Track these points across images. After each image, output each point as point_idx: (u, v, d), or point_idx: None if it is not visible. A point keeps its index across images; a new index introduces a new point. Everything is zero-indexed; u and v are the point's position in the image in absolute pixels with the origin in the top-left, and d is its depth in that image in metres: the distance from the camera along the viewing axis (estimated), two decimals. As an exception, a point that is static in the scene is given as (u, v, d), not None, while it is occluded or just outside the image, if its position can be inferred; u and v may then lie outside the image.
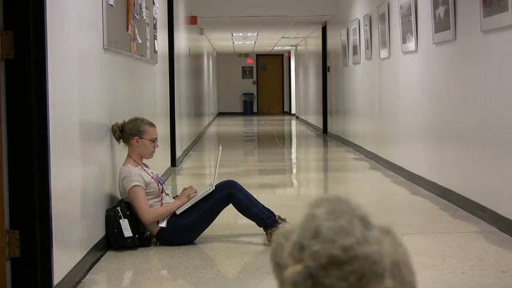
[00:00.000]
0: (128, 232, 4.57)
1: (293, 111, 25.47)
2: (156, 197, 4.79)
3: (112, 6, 4.80)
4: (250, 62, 28.13)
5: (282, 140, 15.28)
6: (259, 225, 4.78)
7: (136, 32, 5.74)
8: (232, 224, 5.38)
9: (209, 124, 19.22)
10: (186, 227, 4.73)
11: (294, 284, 0.98)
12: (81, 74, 4.10)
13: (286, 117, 24.72)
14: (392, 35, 8.37)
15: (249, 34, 19.04)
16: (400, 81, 8.11)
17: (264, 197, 5.68)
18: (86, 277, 4.01)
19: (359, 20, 10.58)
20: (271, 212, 4.81)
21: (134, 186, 4.66)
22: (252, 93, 27.99)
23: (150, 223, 4.71)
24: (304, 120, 20.19)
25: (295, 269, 0.99)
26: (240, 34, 19.00)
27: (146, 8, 6.34)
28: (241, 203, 4.77)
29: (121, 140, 4.88)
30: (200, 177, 8.74)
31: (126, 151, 4.89)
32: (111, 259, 4.42)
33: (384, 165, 8.88)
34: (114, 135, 4.84)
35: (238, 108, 27.81)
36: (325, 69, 15.27)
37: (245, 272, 4.19)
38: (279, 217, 4.81)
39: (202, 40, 16.32)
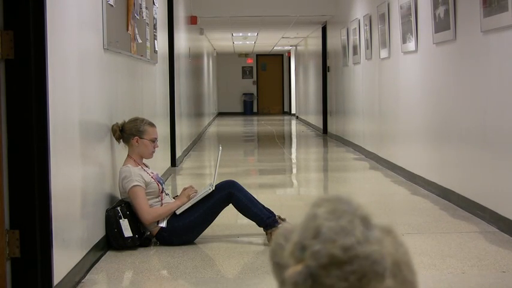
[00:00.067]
0: (128, 232, 4.57)
1: (293, 111, 25.47)
2: (156, 197, 4.79)
3: (112, 6, 4.79)
4: (250, 62, 28.13)
5: (282, 140, 15.27)
6: (259, 225, 4.78)
7: (136, 32, 5.74)
8: (232, 224, 5.38)
9: (209, 124, 19.22)
10: (186, 227, 4.73)
11: (294, 283, 0.98)
12: (81, 74, 4.10)
13: (286, 117, 24.72)
14: (392, 35, 8.37)
15: (249, 34, 19.04)
16: (400, 81, 8.11)
17: (264, 197, 5.68)
18: (86, 277, 4.01)
19: (359, 20, 10.58)
20: (271, 212, 4.81)
21: (134, 186, 4.66)
22: (252, 93, 27.99)
23: (150, 223, 4.71)
24: (304, 120, 20.19)
25: (296, 269, 0.99)
26: (240, 34, 19.00)
27: (146, 8, 6.34)
28: (241, 203, 4.77)
29: (121, 140, 4.88)
30: (200, 177, 8.74)
31: (126, 151, 4.89)
32: (111, 259, 4.42)
33: (384, 165, 8.88)
34: (114, 135, 4.84)
35: (238, 108, 27.81)
36: (325, 69, 15.27)
37: (245, 272, 4.19)
38: (279, 217, 4.81)
39: (202, 40, 16.32)
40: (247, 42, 21.96)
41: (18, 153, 3.31)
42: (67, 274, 3.67)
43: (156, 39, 7.12)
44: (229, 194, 4.77)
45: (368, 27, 9.80)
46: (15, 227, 3.33)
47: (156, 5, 7.21)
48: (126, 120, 4.92)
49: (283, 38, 19.89)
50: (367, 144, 10.25)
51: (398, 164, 8.16)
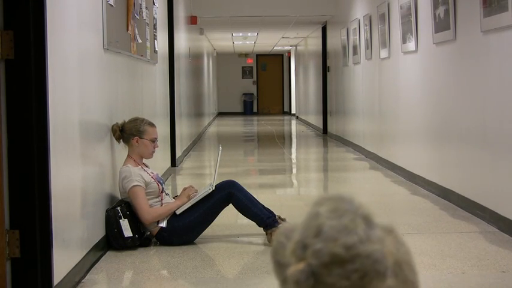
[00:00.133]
0: (128, 232, 4.57)
1: (293, 111, 25.47)
2: (156, 197, 4.79)
3: (112, 6, 4.79)
4: (250, 62, 28.13)
5: (282, 140, 15.27)
6: (259, 225, 4.78)
7: (136, 32, 5.74)
8: (232, 224, 5.38)
9: (209, 124, 19.22)
10: (186, 227, 4.73)
11: (296, 282, 0.98)
12: (81, 74, 4.10)
13: (286, 117, 24.72)
14: (392, 35, 8.37)
15: (249, 34, 19.03)
16: (400, 81, 8.11)
17: (264, 197, 5.68)
18: (86, 277, 4.01)
19: (359, 20, 10.58)
20: (271, 212, 4.81)
21: (134, 186, 4.66)
22: (252, 93, 27.99)
23: (150, 223, 4.71)
24: (304, 120, 20.19)
25: (298, 268, 0.99)
26: (240, 34, 19.00)
27: (146, 8, 6.34)
28: (241, 203, 4.77)
29: (121, 140, 4.88)
30: (200, 177, 8.74)
31: (126, 151, 4.89)
32: (111, 259, 4.42)
33: (384, 165, 8.88)
34: (114, 135, 4.84)
35: (238, 108, 27.81)
36: (325, 69, 15.27)
37: (245, 272, 4.18)
38: (279, 217, 4.81)
39: (202, 40, 16.32)
40: (247, 42, 21.96)
41: (18, 153, 3.31)
42: (67, 274, 3.67)
43: (156, 39, 7.12)
44: (229, 194, 4.77)
45: (368, 27, 9.81)
46: (15, 227, 3.32)
47: (156, 5, 7.21)
48: (126, 120, 4.92)
49: (283, 38, 19.89)
50: (367, 144, 10.25)
51: (398, 164, 8.16)
